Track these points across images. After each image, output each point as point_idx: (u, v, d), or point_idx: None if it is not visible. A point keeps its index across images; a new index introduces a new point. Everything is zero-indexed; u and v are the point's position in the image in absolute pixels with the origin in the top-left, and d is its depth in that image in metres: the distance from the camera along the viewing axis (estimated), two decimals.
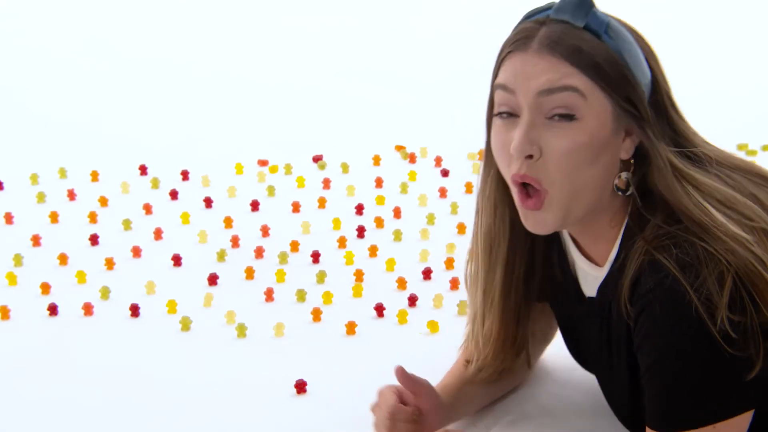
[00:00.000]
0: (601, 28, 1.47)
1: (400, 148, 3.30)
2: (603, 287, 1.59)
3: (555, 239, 1.68)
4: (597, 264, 1.60)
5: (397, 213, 2.78)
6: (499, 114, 1.51)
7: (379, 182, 3.00)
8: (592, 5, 1.48)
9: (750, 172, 1.56)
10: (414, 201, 2.87)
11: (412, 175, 3.05)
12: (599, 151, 1.47)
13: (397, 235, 2.64)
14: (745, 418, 1.47)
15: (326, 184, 2.99)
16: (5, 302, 2.29)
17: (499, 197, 1.62)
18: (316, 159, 3.21)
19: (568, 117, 1.45)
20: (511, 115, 1.49)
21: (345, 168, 3.13)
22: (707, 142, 1.57)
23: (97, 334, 2.20)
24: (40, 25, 5.33)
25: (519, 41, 1.49)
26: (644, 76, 1.49)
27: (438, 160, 3.14)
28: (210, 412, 1.89)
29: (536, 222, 1.52)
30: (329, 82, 4.22)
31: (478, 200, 1.67)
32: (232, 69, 4.47)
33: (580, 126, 1.46)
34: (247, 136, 3.50)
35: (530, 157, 1.47)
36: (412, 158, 3.22)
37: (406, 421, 1.65)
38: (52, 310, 2.27)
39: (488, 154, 1.59)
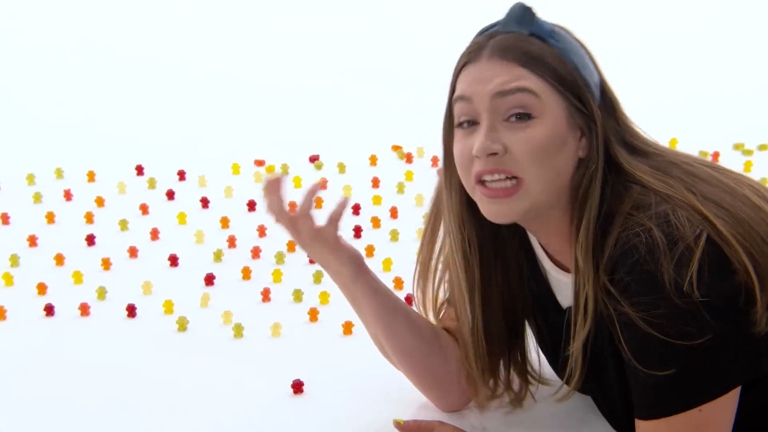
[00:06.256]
0: (547, 34, 1.55)
1: (396, 148, 3.30)
2: None
3: (527, 256, 1.70)
4: (569, 271, 1.61)
5: (393, 213, 2.78)
6: (460, 125, 1.57)
7: (375, 182, 3.00)
8: (535, 14, 1.56)
9: (701, 160, 1.63)
10: (410, 201, 2.87)
11: (409, 175, 3.05)
12: (559, 146, 1.53)
13: (394, 235, 2.64)
14: (732, 397, 1.47)
15: (323, 184, 2.99)
16: (1, 303, 2.29)
17: (465, 215, 1.66)
18: (313, 159, 3.21)
19: (526, 116, 1.52)
20: (472, 123, 1.56)
21: (342, 168, 3.13)
22: (655, 141, 1.63)
23: (94, 335, 2.20)
24: (37, 25, 5.33)
25: (471, 53, 1.57)
26: (592, 77, 1.56)
27: (435, 160, 3.14)
28: (207, 413, 1.89)
29: (498, 210, 1.54)
30: (326, 83, 4.22)
31: (445, 219, 1.71)
32: (228, 69, 4.47)
33: (537, 123, 1.52)
34: (243, 136, 3.50)
35: (494, 154, 1.52)
36: (408, 158, 3.22)
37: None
38: (49, 310, 2.27)
39: (448, 167, 1.67)
